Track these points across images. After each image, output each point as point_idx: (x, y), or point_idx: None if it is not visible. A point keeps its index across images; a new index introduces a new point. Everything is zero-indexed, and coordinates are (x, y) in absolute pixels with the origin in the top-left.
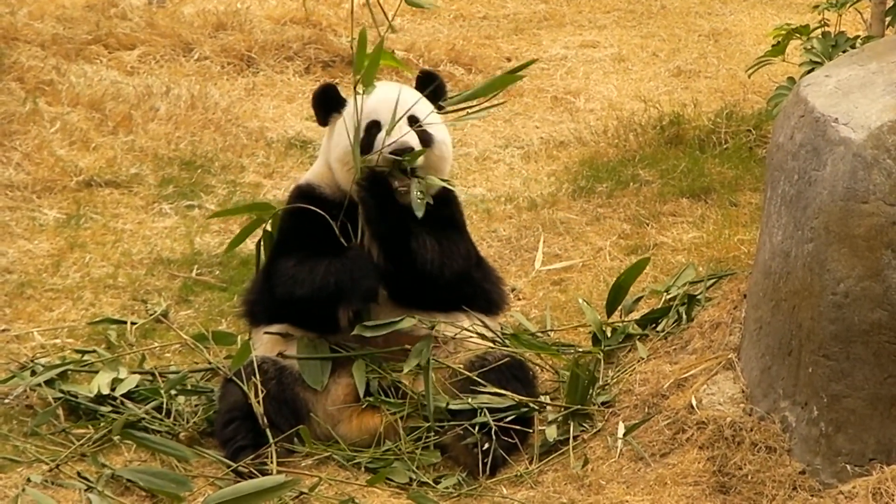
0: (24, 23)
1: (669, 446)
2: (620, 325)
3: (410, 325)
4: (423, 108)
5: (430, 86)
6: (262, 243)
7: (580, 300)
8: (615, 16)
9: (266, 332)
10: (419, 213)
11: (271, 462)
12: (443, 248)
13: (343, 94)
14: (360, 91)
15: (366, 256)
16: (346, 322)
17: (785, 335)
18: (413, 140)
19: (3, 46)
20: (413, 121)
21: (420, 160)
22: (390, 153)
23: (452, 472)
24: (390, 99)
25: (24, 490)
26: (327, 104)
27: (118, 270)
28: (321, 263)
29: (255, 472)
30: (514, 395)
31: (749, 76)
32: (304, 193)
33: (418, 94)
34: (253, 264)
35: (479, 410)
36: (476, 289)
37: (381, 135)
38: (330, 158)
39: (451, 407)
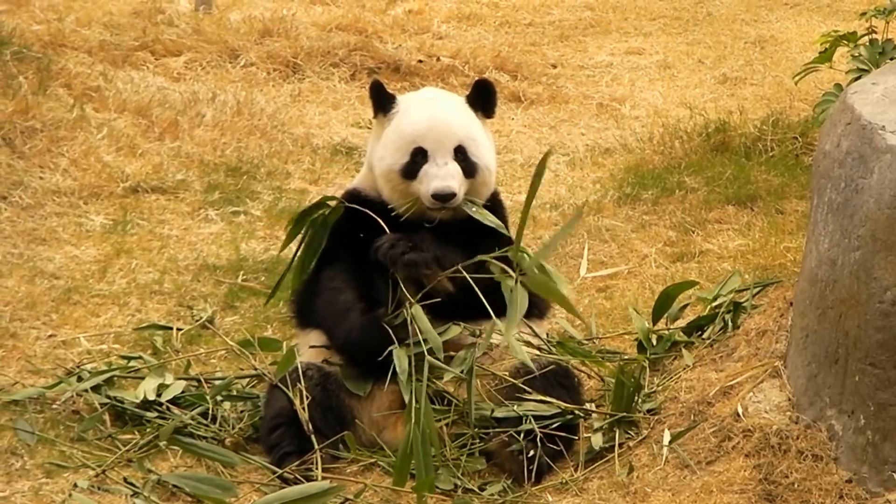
0: (71, 29)
1: (715, 454)
2: (666, 332)
3: (456, 333)
4: (471, 130)
5: (483, 96)
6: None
7: (630, 308)
8: (661, 23)
9: (311, 346)
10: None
11: (316, 468)
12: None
13: (392, 93)
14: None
15: (377, 327)
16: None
17: (831, 343)
18: (456, 184)
19: (51, 53)
20: (458, 151)
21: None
22: (432, 195)
23: (497, 478)
24: (437, 128)
25: (70, 495)
26: (376, 100)
27: (164, 276)
28: (345, 314)
29: (301, 478)
30: (560, 402)
31: (796, 83)
32: (353, 200)
33: (466, 113)
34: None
35: (524, 417)
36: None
37: (426, 168)
38: (373, 165)
39: (496, 414)
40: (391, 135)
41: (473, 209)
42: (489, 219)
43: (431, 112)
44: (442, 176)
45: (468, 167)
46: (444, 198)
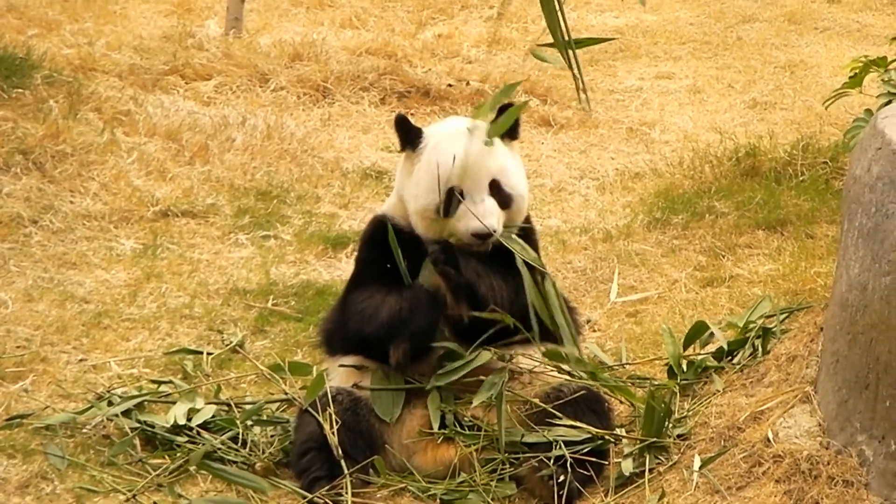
0: (101, 53)
1: (746, 479)
2: (696, 357)
3: (485, 360)
4: (503, 161)
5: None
6: None
7: (665, 330)
8: (690, 47)
9: (341, 365)
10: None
11: (346, 493)
12: (514, 290)
13: (418, 126)
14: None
15: (424, 295)
16: (397, 360)
17: (862, 368)
18: (495, 221)
19: (81, 77)
20: (493, 185)
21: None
22: (472, 234)
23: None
24: (471, 167)
25: None
26: (402, 134)
27: (194, 300)
28: (386, 300)
29: (331, 502)
30: (590, 427)
31: (826, 108)
32: (381, 225)
33: (496, 144)
34: (329, 295)
35: (554, 442)
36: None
37: (463, 208)
38: (406, 200)
39: (526, 439)
40: (422, 173)
41: (509, 241)
42: (527, 254)
43: (462, 150)
44: (481, 214)
45: (503, 199)
46: (484, 236)
